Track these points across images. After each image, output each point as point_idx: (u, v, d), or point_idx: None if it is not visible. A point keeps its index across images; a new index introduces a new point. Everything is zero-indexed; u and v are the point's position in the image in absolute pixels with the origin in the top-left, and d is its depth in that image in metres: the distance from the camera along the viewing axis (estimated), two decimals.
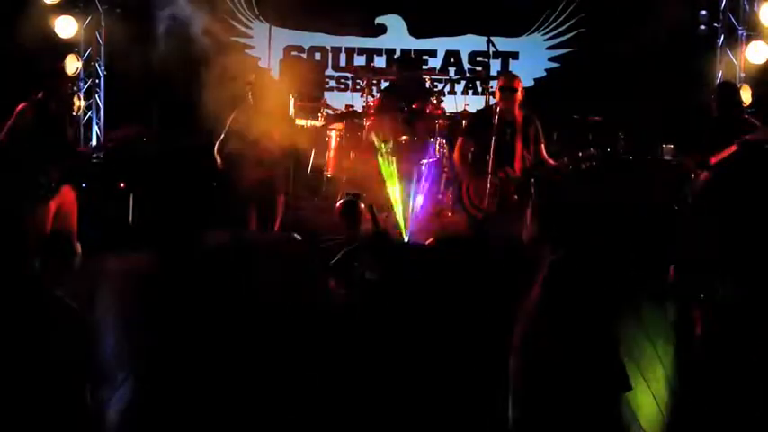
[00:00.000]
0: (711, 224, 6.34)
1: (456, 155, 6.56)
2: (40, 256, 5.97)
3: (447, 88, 9.64)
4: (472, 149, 6.30)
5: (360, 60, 9.99)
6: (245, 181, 6.46)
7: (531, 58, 10.16)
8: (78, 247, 6.18)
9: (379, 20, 10.17)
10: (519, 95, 6.26)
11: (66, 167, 6.09)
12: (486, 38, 8.45)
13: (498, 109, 6.20)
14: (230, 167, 6.56)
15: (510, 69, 9.99)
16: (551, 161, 6.32)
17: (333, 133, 8.23)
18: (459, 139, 6.50)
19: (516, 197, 6.11)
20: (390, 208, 7.66)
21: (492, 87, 7.97)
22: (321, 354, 4.43)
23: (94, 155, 7.79)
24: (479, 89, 10.04)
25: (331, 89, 10.17)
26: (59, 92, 6.20)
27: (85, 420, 3.82)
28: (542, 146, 6.30)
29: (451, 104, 8.92)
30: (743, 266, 5.90)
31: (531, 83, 10.12)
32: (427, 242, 6.78)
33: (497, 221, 6.04)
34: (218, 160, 6.60)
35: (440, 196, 7.89)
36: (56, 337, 4.39)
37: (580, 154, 6.08)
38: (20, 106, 6.05)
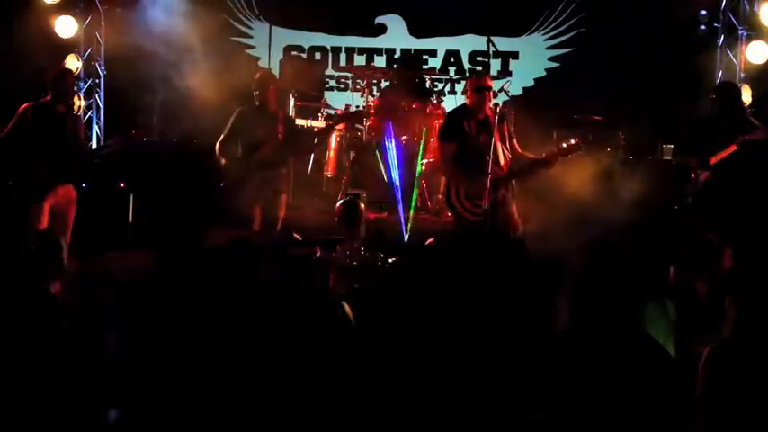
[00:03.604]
0: (712, 224, 6.34)
1: (439, 159, 6.49)
2: (33, 255, 5.98)
3: (447, 88, 9.64)
4: (453, 152, 6.22)
5: (360, 60, 10.00)
6: (249, 181, 6.46)
7: (531, 58, 10.16)
8: (66, 247, 6.19)
9: (379, 20, 10.17)
10: (491, 94, 6.22)
11: (68, 167, 6.12)
12: (486, 38, 8.45)
13: (474, 110, 6.13)
14: (234, 167, 6.56)
15: (510, 69, 10.01)
16: (529, 154, 6.26)
17: (333, 133, 8.23)
18: (438, 144, 6.42)
19: (505, 196, 6.06)
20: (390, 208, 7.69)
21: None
22: (322, 354, 4.43)
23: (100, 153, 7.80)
24: None
25: (331, 89, 10.17)
26: (66, 93, 6.24)
27: (83, 419, 3.82)
28: (514, 141, 6.26)
29: (451, 104, 8.92)
30: (744, 266, 5.89)
31: (531, 83, 10.13)
32: (427, 242, 6.78)
33: (493, 221, 6.00)
34: (221, 160, 6.59)
35: (440, 196, 7.89)
36: (50, 337, 4.38)
37: (564, 145, 6.05)
38: (22, 107, 6.10)
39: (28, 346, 4.05)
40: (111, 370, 4.16)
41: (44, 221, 6.05)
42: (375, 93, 8.57)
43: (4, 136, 6.05)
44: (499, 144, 6.07)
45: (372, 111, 8.23)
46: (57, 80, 6.20)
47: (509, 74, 9.89)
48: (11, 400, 3.74)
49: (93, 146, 9.17)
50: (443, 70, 10.05)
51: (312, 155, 8.36)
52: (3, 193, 6.16)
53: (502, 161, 6.07)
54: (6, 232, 6.09)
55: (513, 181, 6.20)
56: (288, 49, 10.18)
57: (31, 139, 6.04)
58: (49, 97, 6.18)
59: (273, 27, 9.30)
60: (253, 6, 10.14)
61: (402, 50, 10.18)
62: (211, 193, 6.86)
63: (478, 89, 6.15)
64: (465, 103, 6.36)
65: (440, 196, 7.88)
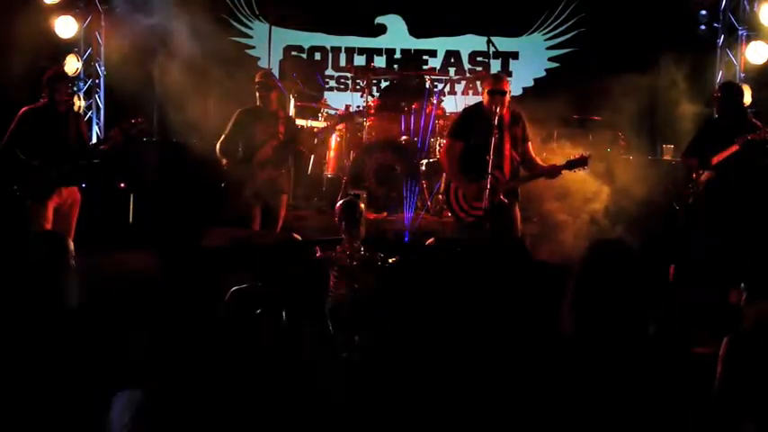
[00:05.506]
0: (713, 224, 6.34)
1: (443, 157, 6.42)
2: (37, 254, 5.98)
3: (447, 88, 9.63)
4: (459, 151, 6.18)
5: (360, 60, 9.99)
6: (250, 181, 6.46)
7: (531, 58, 10.16)
8: (72, 247, 6.19)
9: (379, 20, 10.17)
10: (507, 97, 6.15)
11: (72, 169, 6.14)
12: (486, 38, 8.45)
13: (488, 111, 6.09)
14: (234, 167, 6.55)
15: (510, 69, 10.01)
16: (538, 160, 6.24)
17: (333, 133, 8.24)
18: (447, 141, 6.38)
19: (506, 201, 6.02)
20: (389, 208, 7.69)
21: None
22: (322, 354, 4.43)
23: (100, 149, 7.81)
24: (479, 89, 10.02)
25: (331, 89, 10.17)
26: (62, 94, 6.24)
27: (83, 421, 3.82)
28: (529, 144, 6.22)
29: (451, 104, 8.92)
30: (745, 267, 5.89)
31: (531, 83, 10.13)
32: (427, 242, 6.76)
33: (491, 223, 5.97)
34: (222, 160, 6.59)
35: (440, 196, 7.89)
36: (52, 337, 4.38)
37: (570, 158, 6.03)
38: (21, 111, 6.11)
39: (27, 345, 4.04)
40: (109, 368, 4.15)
41: (48, 223, 6.07)
42: (375, 93, 8.57)
43: (6, 142, 6.07)
44: (508, 147, 6.03)
45: (372, 111, 8.23)
46: (50, 82, 6.20)
47: (509, 74, 9.90)
48: (9, 397, 3.73)
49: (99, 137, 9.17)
50: (443, 70, 10.04)
51: (312, 155, 8.36)
52: (7, 196, 6.16)
53: (507, 165, 6.02)
54: (10, 235, 6.11)
55: (517, 185, 6.17)
56: (288, 49, 10.18)
57: (32, 143, 6.05)
58: (45, 99, 6.17)
59: (273, 27, 9.30)
60: (253, 6, 10.14)
61: (402, 50, 10.18)
62: (211, 193, 6.86)
63: (492, 93, 6.08)
64: (481, 102, 6.31)
65: (440, 196, 7.88)
